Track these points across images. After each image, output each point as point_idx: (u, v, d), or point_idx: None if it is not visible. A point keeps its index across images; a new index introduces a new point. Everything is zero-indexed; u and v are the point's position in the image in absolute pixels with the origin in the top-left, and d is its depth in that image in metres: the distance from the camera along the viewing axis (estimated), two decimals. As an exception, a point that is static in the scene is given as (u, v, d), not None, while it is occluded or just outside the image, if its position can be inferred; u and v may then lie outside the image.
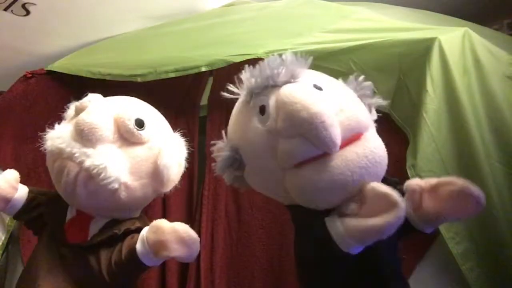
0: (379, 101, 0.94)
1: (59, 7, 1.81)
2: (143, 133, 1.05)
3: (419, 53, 1.17)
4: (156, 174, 1.07)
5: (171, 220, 1.56)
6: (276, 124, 0.83)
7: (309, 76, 0.90)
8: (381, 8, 1.63)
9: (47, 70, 1.67)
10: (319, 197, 0.84)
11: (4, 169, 1.59)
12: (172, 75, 1.44)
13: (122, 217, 1.10)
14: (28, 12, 1.81)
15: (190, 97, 1.64)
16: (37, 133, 1.64)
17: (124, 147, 1.04)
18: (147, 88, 1.45)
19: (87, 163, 0.98)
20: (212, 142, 1.00)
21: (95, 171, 0.98)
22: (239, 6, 1.82)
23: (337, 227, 0.80)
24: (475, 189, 0.80)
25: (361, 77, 0.94)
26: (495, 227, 1.07)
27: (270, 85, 0.86)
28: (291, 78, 0.85)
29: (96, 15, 1.89)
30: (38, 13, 1.82)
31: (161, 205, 1.57)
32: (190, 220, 1.58)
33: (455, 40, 1.18)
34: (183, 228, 0.95)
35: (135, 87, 1.45)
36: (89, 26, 1.95)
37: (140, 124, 1.05)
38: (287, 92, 0.82)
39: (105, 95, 1.17)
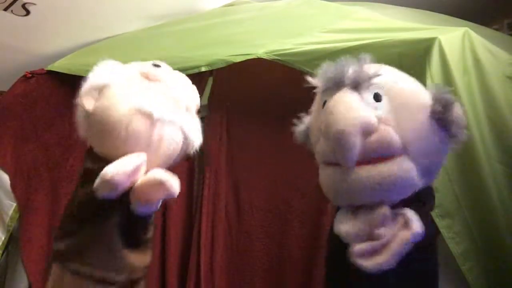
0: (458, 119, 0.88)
1: (59, 7, 1.82)
2: None
3: (419, 53, 1.17)
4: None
5: (171, 220, 1.57)
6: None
7: (380, 82, 0.89)
8: (381, 8, 1.63)
9: (47, 70, 1.67)
10: (330, 197, 0.95)
11: (4, 169, 1.61)
12: (172, 75, 1.44)
13: None
14: (28, 12, 1.81)
15: (190, 97, 1.64)
16: (37, 133, 1.66)
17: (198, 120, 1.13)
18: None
19: (192, 137, 1.07)
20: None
21: (194, 143, 1.08)
22: (239, 6, 1.83)
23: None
24: None
25: (443, 90, 0.90)
26: (495, 227, 1.07)
27: (337, 84, 0.89)
28: (358, 81, 0.87)
29: (96, 15, 1.89)
30: (38, 13, 1.82)
31: (161, 205, 1.57)
32: (190, 220, 1.58)
33: (455, 40, 1.18)
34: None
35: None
36: (89, 26, 1.95)
37: None
38: (333, 100, 0.88)
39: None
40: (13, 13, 1.80)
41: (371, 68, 0.89)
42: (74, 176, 1.66)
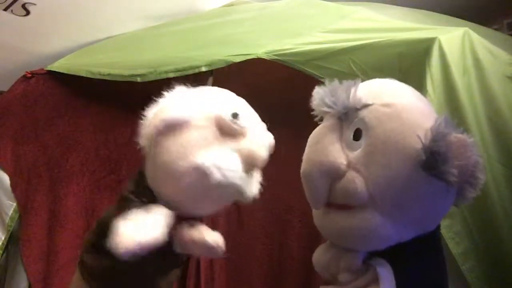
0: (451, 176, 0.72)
1: (59, 7, 1.82)
2: None
3: (419, 53, 1.17)
4: None
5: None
6: None
7: (365, 116, 0.79)
8: (381, 8, 1.63)
9: (47, 70, 1.67)
10: None
11: (4, 169, 1.61)
12: (172, 75, 1.44)
13: None
14: (28, 12, 1.81)
15: (190, 97, 1.64)
16: (37, 133, 1.66)
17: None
18: (147, 88, 1.45)
19: (249, 194, 1.00)
20: None
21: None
22: (239, 6, 1.83)
23: None
24: None
25: (441, 131, 0.73)
26: (495, 227, 1.07)
27: (327, 109, 0.83)
28: (345, 112, 0.81)
29: (96, 15, 1.89)
30: (38, 13, 1.82)
31: (161, 205, 1.57)
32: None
33: (455, 40, 1.18)
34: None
35: (135, 87, 1.45)
36: (89, 26, 1.95)
37: None
38: (312, 133, 0.87)
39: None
40: (13, 13, 1.80)
41: (362, 94, 0.80)
42: (74, 176, 1.66)
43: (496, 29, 2.03)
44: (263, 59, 1.32)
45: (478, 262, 1.08)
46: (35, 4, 1.76)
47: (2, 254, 1.53)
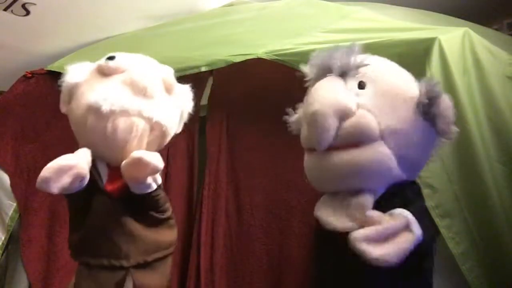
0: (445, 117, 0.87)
1: (59, 7, 1.81)
2: (176, 85, 1.19)
3: (419, 53, 1.17)
4: (180, 119, 1.23)
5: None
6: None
7: (367, 71, 0.89)
8: (381, 8, 1.63)
9: (47, 70, 1.67)
10: (312, 184, 0.96)
11: (4, 169, 1.61)
12: (172, 75, 1.44)
13: None
14: (28, 12, 1.81)
15: (190, 97, 1.64)
16: (37, 133, 1.66)
17: (168, 99, 1.15)
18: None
19: (156, 117, 1.08)
20: None
21: (162, 123, 1.10)
22: (239, 6, 1.83)
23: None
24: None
25: (432, 83, 0.89)
26: (495, 227, 1.07)
27: (325, 71, 0.90)
28: (344, 69, 0.88)
29: (96, 15, 1.89)
30: (38, 13, 1.82)
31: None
32: (190, 220, 1.58)
33: (455, 40, 1.18)
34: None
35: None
36: (89, 26, 1.95)
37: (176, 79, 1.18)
38: (317, 85, 0.89)
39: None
40: (13, 13, 1.80)
41: (360, 57, 0.89)
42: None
43: (496, 29, 2.03)
44: (263, 59, 1.32)
45: (478, 262, 1.08)
46: (35, 4, 1.76)
47: (2, 254, 1.54)
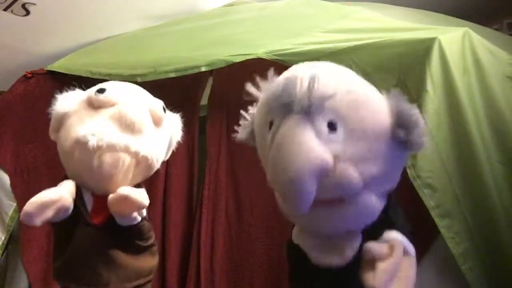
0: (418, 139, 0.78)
1: (59, 7, 1.82)
2: (165, 118, 1.19)
3: (419, 53, 1.17)
4: (168, 148, 1.24)
5: (171, 220, 1.57)
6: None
7: (335, 105, 0.75)
8: (381, 8, 1.63)
9: (47, 70, 1.67)
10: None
11: (4, 169, 1.61)
12: (172, 75, 1.44)
13: None
14: (28, 12, 1.81)
15: (190, 97, 1.64)
16: (37, 133, 1.66)
17: (156, 132, 1.15)
18: (147, 88, 1.45)
19: (143, 152, 1.09)
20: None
21: (149, 157, 1.11)
22: (239, 6, 1.83)
23: None
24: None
25: (403, 106, 0.78)
26: (495, 227, 1.07)
27: (285, 107, 0.75)
28: (309, 107, 0.73)
29: (96, 15, 1.89)
30: (38, 13, 1.82)
31: (161, 205, 1.58)
32: (190, 220, 1.58)
33: (455, 40, 1.18)
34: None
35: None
36: (89, 26, 1.95)
37: (164, 109, 1.18)
38: (282, 135, 0.74)
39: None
40: (13, 13, 1.80)
41: (323, 85, 0.74)
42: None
43: (496, 29, 2.03)
44: (263, 59, 1.32)
45: (478, 262, 1.08)
46: (35, 4, 1.76)
47: (2, 254, 1.54)
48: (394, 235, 0.80)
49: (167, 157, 1.27)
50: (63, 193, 1.04)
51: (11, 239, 1.56)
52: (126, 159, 1.07)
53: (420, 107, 1.13)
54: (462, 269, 1.07)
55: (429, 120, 1.12)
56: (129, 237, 1.14)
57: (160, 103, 1.17)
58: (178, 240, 1.56)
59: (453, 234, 1.08)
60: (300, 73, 0.76)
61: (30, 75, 1.66)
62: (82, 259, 1.10)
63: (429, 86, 1.13)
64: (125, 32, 1.93)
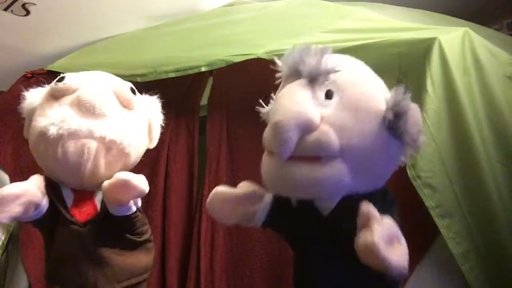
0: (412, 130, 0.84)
1: (59, 7, 1.81)
2: (136, 99, 1.14)
3: (419, 53, 1.17)
4: (150, 133, 1.18)
5: (171, 220, 1.57)
6: None
7: (337, 79, 0.86)
8: (381, 8, 1.63)
9: (47, 70, 1.67)
10: (267, 186, 0.94)
11: (4, 169, 1.60)
12: (172, 75, 1.44)
13: None
14: (28, 12, 1.81)
15: (190, 97, 1.64)
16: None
17: (125, 114, 1.10)
18: (147, 88, 1.45)
19: (109, 136, 1.03)
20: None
21: (118, 141, 1.04)
22: (239, 6, 1.83)
23: None
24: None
25: (400, 97, 0.84)
26: (495, 227, 1.07)
27: (295, 73, 0.88)
28: (314, 75, 0.85)
29: (96, 15, 1.89)
30: (38, 13, 1.82)
31: (161, 205, 1.58)
32: (190, 220, 1.58)
33: (455, 40, 1.18)
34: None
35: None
36: (89, 26, 1.95)
37: (133, 91, 1.14)
38: (284, 91, 0.87)
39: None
40: (13, 13, 1.80)
41: (332, 61, 0.86)
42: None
43: (496, 29, 2.03)
44: (263, 59, 1.32)
45: (478, 262, 1.08)
46: (35, 4, 1.76)
47: (2, 254, 1.53)
48: (389, 220, 0.78)
49: (153, 143, 1.21)
50: (28, 187, 0.99)
51: (11, 239, 1.56)
52: (92, 145, 1.01)
53: (420, 107, 1.14)
54: (462, 269, 1.07)
55: (429, 120, 1.12)
56: (120, 232, 1.08)
57: (127, 85, 1.13)
58: (178, 240, 1.56)
59: (453, 234, 1.08)
60: (315, 48, 0.87)
61: (30, 75, 1.66)
62: (66, 260, 1.05)
63: (429, 86, 1.13)
64: (125, 32, 1.92)
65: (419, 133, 0.85)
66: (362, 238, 0.72)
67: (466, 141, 1.11)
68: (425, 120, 1.12)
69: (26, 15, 1.82)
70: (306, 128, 0.81)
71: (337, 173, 0.83)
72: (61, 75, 1.11)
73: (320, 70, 0.85)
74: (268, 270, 1.46)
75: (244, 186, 1.05)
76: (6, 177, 1.60)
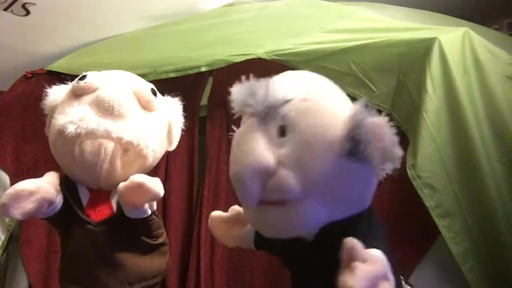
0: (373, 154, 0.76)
1: (59, 7, 1.81)
2: (157, 101, 1.13)
3: (419, 53, 1.17)
4: (169, 135, 1.18)
5: (171, 220, 1.57)
6: None
7: (288, 113, 0.81)
8: (381, 8, 1.63)
9: (47, 70, 1.67)
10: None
11: (4, 169, 1.60)
12: (172, 75, 1.44)
13: None
14: (28, 12, 1.81)
15: (190, 97, 1.63)
16: (37, 133, 1.65)
17: (144, 116, 1.09)
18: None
19: (127, 137, 1.03)
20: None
21: (135, 142, 1.04)
22: (239, 6, 1.82)
23: None
24: None
25: (359, 120, 0.76)
26: (495, 227, 1.07)
27: (246, 109, 0.86)
28: (265, 111, 0.82)
29: (96, 15, 1.89)
30: (38, 13, 1.82)
31: (161, 205, 1.57)
32: (190, 220, 1.58)
33: (455, 40, 1.18)
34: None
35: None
36: (89, 26, 1.95)
37: (154, 93, 1.13)
38: (238, 134, 0.86)
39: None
40: (13, 13, 1.80)
41: (281, 90, 0.82)
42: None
43: (496, 29, 2.03)
44: (263, 59, 1.32)
45: (478, 262, 1.08)
46: (35, 4, 1.76)
47: (2, 254, 1.53)
48: (376, 252, 0.75)
49: (173, 146, 1.21)
50: (42, 184, 0.99)
51: (11, 239, 1.56)
52: (109, 145, 1.02)
53: (420, 107, 1.14)
54: (462, 269, 1.07)
55: (429, 120, 1.12)
56: (135, 234, 1.08)
57: (148, 86, 1.12)
58: (178, 240, 1.56)
59: (453, 234, 1.08)
60: (263, 81, 0.84)
61: (30, 75, 1.66)
62: (78, 259, 1.05)
63: (429, 86, 1.13)
64: (125, 32, 1.92)
65: (386, 151, 0.77)
66: (344, 280, 0.67)
67: (466, 141, 1.11)
68: (425, 120, 1.12)
69: (26, 15, 1.82)
70: (264, 175, 0.78)
71: (305, 213, 0.80)
72: (84, 73, 1.11)
73: (269, 106, 0.81)
74: (268, 270, 1.46)
75: (232, 209, 1.06)
76: (6, 177, 1.60)
